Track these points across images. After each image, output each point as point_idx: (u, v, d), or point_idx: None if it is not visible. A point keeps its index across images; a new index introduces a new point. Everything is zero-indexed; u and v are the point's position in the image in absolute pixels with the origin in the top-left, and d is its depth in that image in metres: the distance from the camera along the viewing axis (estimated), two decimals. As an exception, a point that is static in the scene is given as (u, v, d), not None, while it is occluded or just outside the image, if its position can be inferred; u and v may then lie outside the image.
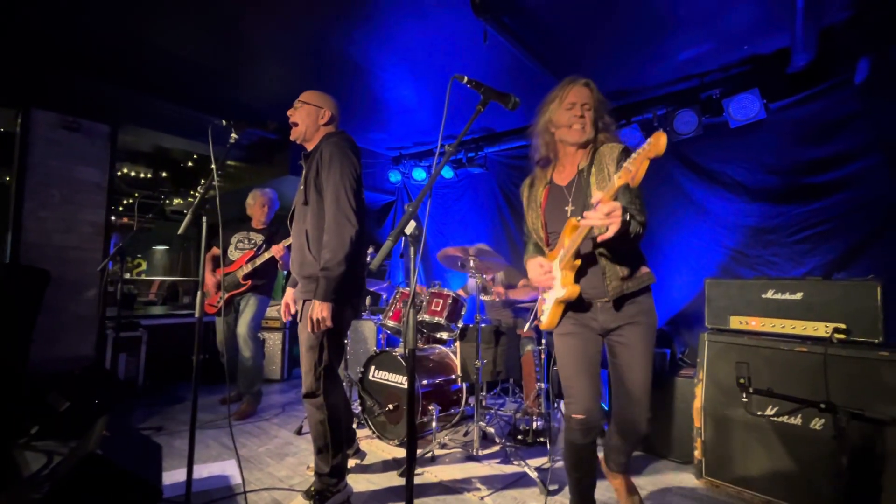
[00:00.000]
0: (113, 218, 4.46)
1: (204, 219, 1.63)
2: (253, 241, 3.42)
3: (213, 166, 1.73)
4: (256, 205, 3.49)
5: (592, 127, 1.60)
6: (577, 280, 1.57)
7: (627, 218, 1.33)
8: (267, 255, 3.22)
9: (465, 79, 1.29)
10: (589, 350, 1.63)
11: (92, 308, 3.33)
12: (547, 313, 1.64)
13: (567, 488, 2.20)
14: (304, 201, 1.95)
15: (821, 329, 2.01)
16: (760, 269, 2.79)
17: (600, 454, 1.81)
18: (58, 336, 3.21)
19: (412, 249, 1.03)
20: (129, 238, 2.77)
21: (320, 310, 1.77)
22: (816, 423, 1.94)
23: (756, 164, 2.88)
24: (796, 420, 1.99)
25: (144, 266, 9.84)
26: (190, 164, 5.81)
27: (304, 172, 2.01)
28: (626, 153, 1.53)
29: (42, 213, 3.19)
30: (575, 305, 1.61)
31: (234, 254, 3.41)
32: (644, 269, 1.61)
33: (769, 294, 2.18)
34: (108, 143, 3.48)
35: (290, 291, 2.15)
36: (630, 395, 1.59)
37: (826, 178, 2.62)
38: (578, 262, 1.55)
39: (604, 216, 1.28)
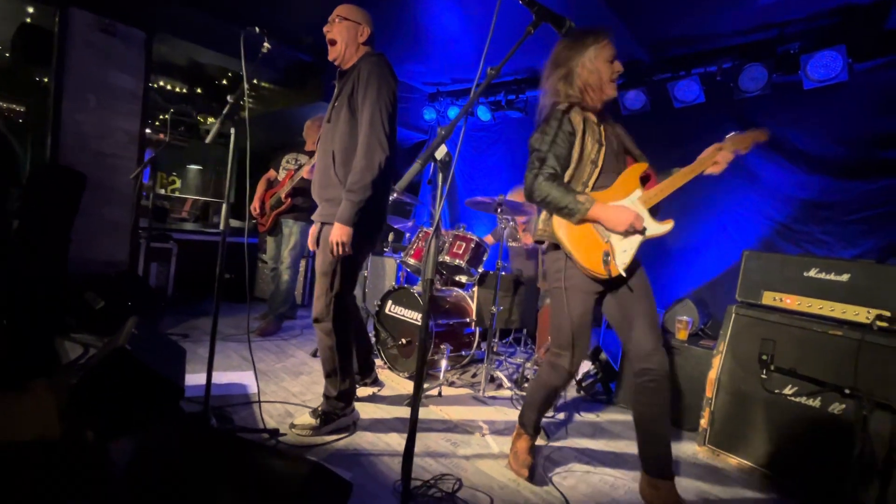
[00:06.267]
0: (148, 131, 4.50)
1: (233, 130, 1.58)
2: (299, 162, 3.45)
3: (243, 76, 1.66)
4: (313, 128, 3.48)
5: None
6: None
7: None
8: (304, 171, 3.25)
9: (518, -7, 1.16)
10: (594, 306, 1.70)
11: (126, 215, 3.44)
12: (629, 254, 1.59)
13: (567, 440, 2.26)
14: (333, 120, 1.88)
15: (861, 315, 1.89)
16: (806, 246, 2.62)
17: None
18: (93, 240, 3.35)
19: (441, 176, 0.97)
20: (161, 149, 2.78)
21: (341, 233, 1.74)
22: (836, 408, 1.87)
23: (825, 132, 2.61)
24: (815, 402, 1.93)
25: (178, 184, 10.10)
26: (224, 81, 5.73)
27: (336, 91, 1.92)
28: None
29: (79, 117, 3.22)
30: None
31: (281, 174, 3.52)
32: None
33: (812, 273, 2.05)
34: (143, 50, 3.42)
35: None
36: (647, 325, 1.63)
37: (897, 155, 2.37)
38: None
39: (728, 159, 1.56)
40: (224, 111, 1.56)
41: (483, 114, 4.48)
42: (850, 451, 1.74)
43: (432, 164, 0.98)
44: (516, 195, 3.48)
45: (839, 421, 1.85)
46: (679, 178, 1.60)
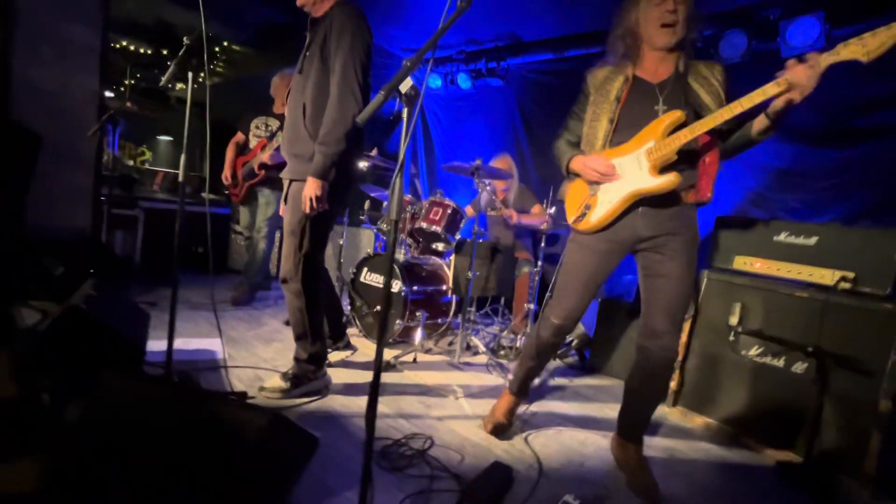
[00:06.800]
0: (110, 95, 4.26)
1: (190, 74, 1.48)
2: (269, 128, 3.31)
3: (202, 24, 1.55)
4: (282, 85, 3.29)
5: (685, 27, 1.46)
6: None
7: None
8: (265, 156, 3.14)
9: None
10: (600, 268, 1.62)
11: (86, 179, 3.26)
12: (607, 208, 1.55)
13: (540, 402, 2.28)
14: (305, 71, 1.80)
15: (827, 277, 1.93)
16: (779, 213, 2.66)
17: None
18: (52, 205, 3.16)
19: (406, 111, 0.91)
20: (121, 106, 2.62)
21: (315, 187, 1.69)
22: (799, 367, 1.93)
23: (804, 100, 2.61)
24: (780, 362, 1.98)
25: (149, 156, 9.70)
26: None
27: (307, 41, 1.83)
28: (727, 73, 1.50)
29: (31, 72, 3.00)
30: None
31: (252, 141, 3.37)
32: (706, 185, 1.50)
33: (782, 237, 2.08)
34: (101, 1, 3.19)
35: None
36: (665, 309, 1.51)
37: (875, 121, 2.39)
38: (676, 156, 1.44)
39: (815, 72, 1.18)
40: (180, 53, 1.45)
41: (463, 81, 4.37)
42: (811, 408, 1.80)
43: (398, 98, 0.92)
44: (499, 162, 3.45)
45: (801, 380, 1.90)
46: (710, 120, 1.36)
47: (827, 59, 1.21)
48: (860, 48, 1.17)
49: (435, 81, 4.59)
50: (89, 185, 3.27)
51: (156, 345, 2.23)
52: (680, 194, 1.51)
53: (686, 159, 1.48)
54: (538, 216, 3.34)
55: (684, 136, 1.41)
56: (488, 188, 2.74)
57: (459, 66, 4.42)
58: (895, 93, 2.35)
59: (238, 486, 1.03)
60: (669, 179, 1.44)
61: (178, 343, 2.31)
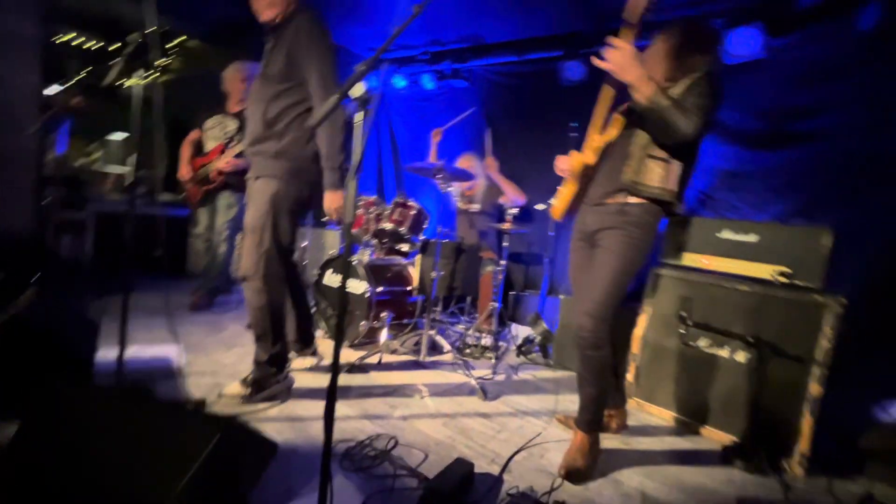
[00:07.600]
0: (56, 88, 4.00)
1: (141, 71, 1.43)
2: (226, 130, 3.19)
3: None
4: (236, 79, 3.16)
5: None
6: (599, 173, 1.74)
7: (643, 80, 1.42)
8: (221, 164, 3.06)
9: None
10: (586, 264, 1.78)
11: (27, 179, 3.06)
12: (557, 197, 1.86)
13: (504, 398, 2.33)
14: (266, 73, 1.80)
15: (767, 271, 2.07)
16: (723, 213, 2.83)
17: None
18: (-11, 207, 2.97)
19: (360, 115, 0.92)
20: (67, 98, 2.49)
21: (335, 198, 1.80)
22: (741, 356, 2.06)
23: (745, 105, 2.79)
24: (724, 352, 2.11)
25: (99, 155, 9.19)
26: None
27: (271, 44, 1.84)
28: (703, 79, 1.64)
29: (-38, 65, 2.80)
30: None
31: (208, 144, 3.24)
32: (657, 186, 1.59)
33: (724, 234, 2.21)
34: (38, -12, 3.00)
35: None
36: (582, 289, 1.74)
37: (810, 126, 2.58)
38: (601, 139, 1.70)
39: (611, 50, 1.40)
40: (127, 50, 1.40)
41: (428, 82, 4.38)
42: (750, 393, 1.92)
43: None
44: (463, 162, 3.50)
45: (743, 368, 2.03)
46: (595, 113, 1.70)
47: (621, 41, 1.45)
48: (630, 34, 1.49)
49: (400, 82, 4.58)
50: (30, 186, 3.08)
51: (107, 354, 2.13)
52: (614, 194, 1.67)
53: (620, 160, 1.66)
54: (513, 191, 3.46)
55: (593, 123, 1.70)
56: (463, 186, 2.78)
57: (424, 67, 4.43)
58: (821, 101, 2.56)
59: (191, 496, 1.01)
60: (571, 161, 1.79)
61: (133, 351, 2.22)
